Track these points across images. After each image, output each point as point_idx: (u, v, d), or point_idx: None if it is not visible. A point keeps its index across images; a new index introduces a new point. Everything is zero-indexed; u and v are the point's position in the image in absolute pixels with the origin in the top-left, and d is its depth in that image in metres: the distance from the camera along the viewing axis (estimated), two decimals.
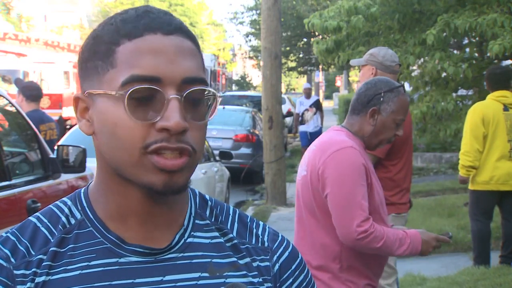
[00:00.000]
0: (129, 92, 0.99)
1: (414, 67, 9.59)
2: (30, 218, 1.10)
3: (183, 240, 1.10)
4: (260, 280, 1.13)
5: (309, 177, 2.71)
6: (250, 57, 37.16)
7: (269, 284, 1.14)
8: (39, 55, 17.88)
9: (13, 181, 4.22)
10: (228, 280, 1.10)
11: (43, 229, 1.08)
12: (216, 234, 1.14)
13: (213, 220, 1.16)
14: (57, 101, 17.53)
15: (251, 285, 1.11)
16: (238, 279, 1.11)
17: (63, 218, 1.09)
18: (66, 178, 4.95)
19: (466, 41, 9.88)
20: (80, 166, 4.94)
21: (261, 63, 11.20)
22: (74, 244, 1.07)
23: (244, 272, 1.12)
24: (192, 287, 1.08)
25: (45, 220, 1.09)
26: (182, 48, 1.04)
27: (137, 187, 1.05)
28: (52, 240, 1.07)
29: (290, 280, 1.17)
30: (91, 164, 5.46)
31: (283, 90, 39.35)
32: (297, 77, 46.84)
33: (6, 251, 1.05)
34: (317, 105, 15.45)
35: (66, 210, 1.10)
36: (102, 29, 1.06)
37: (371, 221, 2.60)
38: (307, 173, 2.73)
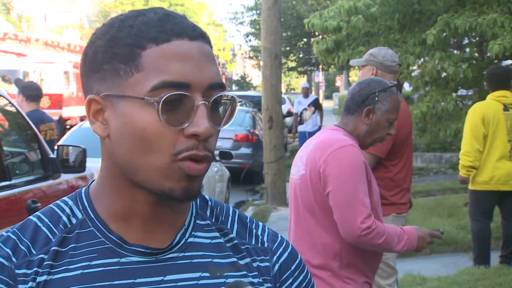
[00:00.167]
0: (163, 98, 0.99)
1: (414, 67, 9.59)
2: (31, 217, 1.10)
3: (183, 240, 1.10)
4: (260, 280, 1.14)
5: (309, 176, 2.72)
6: (250, 57, 37.16)
7: (269, 285, 1.14)
8: (39, 55, 17.89)
9: (13, 181, 4.22)
10: (229, 280, 1.10)
11: (44, 228, 1.08)
12: (217, 234, 1.14)
13: (213, 220, 1.16)
14: (57, 101, 17.53)
15: (251, 285, 1.11)
16: (239, 279, 1.11)
17: (64, 218, 1.09)
18: (66, 178, 4.95)
19: (466, 41, 9.88)
20: (80, 166, 4.94)
21: (261, 63, 11.20)
22: (75, 244, 1.07)
23: (244, 273, 1.12)
24: (193, 287, 1.08)
25: (46, 220, 1.09)
26: (206, 53, 1.05)
27: (146, 192, 1.05)
28: (53, 240, 1.07)
29: (290, 281, 1.17)
30: (91, 164, 5.47)
31: (283, 90, 39.35)
32: (297, 77, 46.85)
33: (8, 250, 1.05)
34: (316, 104, 15.44)
35: (67, 209, 1.10)
36: (118, 31, 1.04)
37: (373, 218, 2.64)
38: (306, 172, 2.74)
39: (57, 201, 1.12)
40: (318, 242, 2.73)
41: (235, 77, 51.27)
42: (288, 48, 30.49)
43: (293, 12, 27.84)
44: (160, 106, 0.99)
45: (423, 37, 8.16)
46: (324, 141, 2.76)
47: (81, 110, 19.10)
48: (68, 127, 16.41)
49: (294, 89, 54.72)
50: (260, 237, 1.18)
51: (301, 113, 15.32)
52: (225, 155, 9.76)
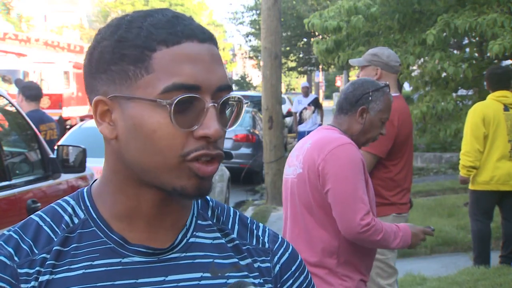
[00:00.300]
0: (176, 101, 0.99)
1: (414, 67, 9.59)
2: (32, 216, 1.10)
3: (185, 240, 1.11)
4: (261, 281, 1.14)
5: (307, 174, 2.76)
6: (250, 57, 37.13)
7: (270, 285, 1.15)
8: (39, 55, 17.88)
9: (13, 181, 4.22)
10: (230, 280, 1.10)
11: (46, 228, 1.08)
12: (218, 234, 1.15)
13: (214, 220, 1.16)
14: (57, 101, 17.52)
15: (253, 285, 1.12)
16: (242, 279, 1.11)
17: (66, 217, 1.09)
18: (66, 178, 4.95)
19: (466, 41, 9.88)
20: (80, 166, 4.94)
21: (261, 63, 11.19)
22: (77, 244, 1.07)
23: (245, 273, 1.13)
24: (194, 287, 1.08)
25: (48, 219, 1.09)
26: (215, 56, 1.05)
27: (153, 191, 1.05)
28: (55, 239, 1.07)
29: (291, 281, 1.18)
30: (91, 164, 5.47)
31: (283, 90, 39.33)
32: (297, 77, 46.82)
33: (10, 249, 1.05)
34: (316, 104, 15.44)
35: (69, 209, 1.10)
36: (127, 31, 1.03)
37: (371, 215, 2.69)
38: (303, 170, 2.77)
39: (58, 201, 1.12)
40: (316, 240, 2.76)
41: (235, 77, 51.25)
42: (288, 48, 30.48)
43: (293, 12, 27.82)
44: (172, 108, 1.00)
45: (423, 37, 8.15)
46: (321, 139, 2.79)
47: (81, 110, 19.11)
48: (68, 127, 16.40)
49: (294, 89, 54.68)
50: (261, 238, 1.18)
51: (301, 112, 15.32)
52: (225, 155, 9.74)
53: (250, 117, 14.80)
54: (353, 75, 33.79)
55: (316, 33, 11.71)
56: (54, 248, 1.06)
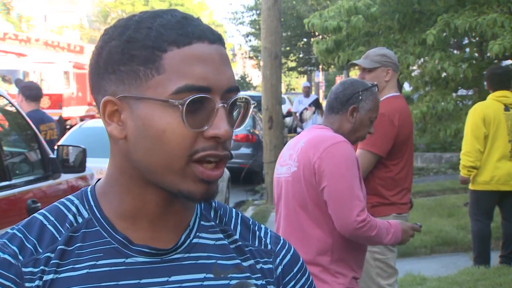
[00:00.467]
0: (187, 101, 1.00)
1: (414, 67, 9.59)
2: (36, 215, 1.10)
3: (188, 241, 1.11)
4: (263, 282, 1.14)
5: (302, 172, 2.80)
6: (250, 57, 37.11)
7: (272, 287, 1.15)
8: (39, 55, 17.90)
9: (13, 181, 4.22)
10: (233, 282, 1.10)
11: (49, 227, 1.08)
12: (221, 235, 1.15)
13: (217, 221, 1.17)
14: (57, 101, 17.54)
15: (255, 286, 1.12)
16: (244, 280, 1.11)
17: (70, 217, 1.09)
18: (66, 178, 4.95)
19: (466, 41, 9.88)
20: (80, 166, 4.94)
21: (261, 63, 11.19)
22: (81, 243, 1.07)
23: (248, 274, 1.13)
24: None
25: (52, 218, 1.09)
26: (224, 57, 1.06)
27: (159, 191, 1.06)
28: (59, 238, 1.07)
29: (292, 283, 1.18)
30: (91, 164, 5.47)
31: (283, 90, 39.32)
32: (297, 77, 46.80)
33: (14, 248, 1.05)
34: (317, 104, 15.44)
35: (74, 208, 1.10)
36: (136, 32, 1.03)
37: (366, 211, 2.75)
38: (298, 169, 2.82)
39: (62, 200, 1.12)
40: (310, 238, 2.80)
41: (235, 77, 51.15)
42: (288, 48, 30.47)
43: (293, 12, 27.81)
44: (184, 108, 1.00)
45: (423, 37, 8.15)
46: (316, 138, 2.84)
47: (81, 110, 19.12)
48: (68, 127, 16.41)
49: (294, 89, 54.66)
50: (263, 239, 1.19)
51: (301, 112, 15.30)
52: None
53: (250, 117, 14.73)
54: (353, 75, 33.79)
55: (316, 33, 11.71)
56: (59, 247, 1.06)
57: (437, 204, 9.27)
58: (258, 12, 30.46)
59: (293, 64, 33.59)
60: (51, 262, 1.05)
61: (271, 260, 1.17)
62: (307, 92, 15.76)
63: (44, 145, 4.75)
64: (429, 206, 9.08)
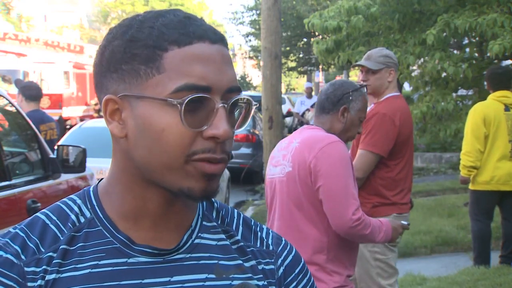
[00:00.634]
0: (186, 100, 1.00)
1: (414, 67, 9.59)
2: (38, 214, 1.10)
3: (190, 241, 1.11)
4: (265, 283, 1.14)
5: (297, 172, 2.84)
6: (250, 57, 37.11)
7: (274, 287, 1.15)
8: (39, 55, 17.91)
9: (13, 181, 4.22)
10: (235, 282, 1.10)
11: (52, 226, 1.08)
12: (223, 236, 1.15)
13: (219, 222, 1.17)
14: (57, 101, 17.55)
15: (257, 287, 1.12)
16: (246, 281, 1.11)
17: (73, 216, 1.09)
18: (66, 178, 4.95)
19: (466, 41, 9.88)
20: (80, 166, 4.94)
21: (261, 63, 11.19)
22: (83, 243, 1.07)
23: (250, 275, 1.13)
24: None
25: (54, 218, 1.09)
26: (225, 57, 1.06)
27: (160, 190, 1.06)
28: (61, 238, 1.07)
29: (294, 284, 1.18)
30: (91, 164, 5.47)
31: (283, 90, 39.31)
32: (297, 77, 46.80)
33: (16, 247, 1.05)
34: None
35: (76, 208, 1.10)
36: (138, 31, 1.04)
37: (361, 209, 2.80)
38: (293, 169, 2.86)
39: (64, 199, 1.12)
40: (306, 237, 2.83)
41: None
42: (288, 48, 30.47)
43: (293, 12, 27.81)
44: (183, 107, 1.00)
45: (423, 37, 8.16)
46: (310, 138, 2.88)
47: (80, 110, 19.12)
48: (68, 127, 16.41)
49: (294, 89, 54.67)
50: (265, 240, 1.19)
51: (303, 113, 15.28)
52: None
53: (250, 117, 14.78)
54: (353, 75, 33.82)
55: (316, 33, 11.71)
56: (61, 247, 1.06)
57: (437, 204, 9.27)
58: (258, 12, 30.46)
59: (293, 64, 33.59)
60: (54, 261, 1.05)
61: (272, 260, 1.17)
62: (309, 93, 15.73)
63: (44, 145, 4.75)
64: (429, 206, 9.08)
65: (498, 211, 6.03)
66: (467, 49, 9.88)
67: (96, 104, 19.12)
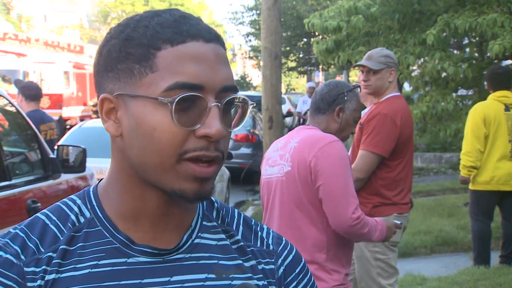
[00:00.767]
0: (177, 99, 1.00)
1: (414, 67, 9.59)
2: (38, 215, 1.10)
3: (190, 241, 1.11)
4: (265, 283, 1.14)
5: (296, 171, 2.85)
6: (250, 57, 37.10)
7: (274, 287, 1.15)
8: (39, 55, 17.91)
9: (13, 181, 4.22)
10: (234, 282, 1.10)
11: (52, 226, 1.08)
12: (223, 236, 1.15)
13: (219, 222, 1.16)
14: (57, 101, 17.55)
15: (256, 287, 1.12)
16: (246, 282, 1.11)
17: (73, 216, 1.09)
18: (66, 178, 4.95)
19: (466, 41, 9.88)
20: (80, 166, 4.94)
21: (261, 63, 11.19)
22: (83, 243, 1.07)
23: (250, 275, 1.13)
24: None
25: (54, 218, 1.09)
26: (220, 56, 1.05)
27: (157, 191, 1.06)
28: (61, 238, 1.07)
29: (294, 283, 1.18)
30: (91, 164, 5.47)
31: (283, 90, 39.30)
32: (297, 77, 46.80)
33: (16, 247, 1.05)
34: None
35: (76, 208, 1.10)
36: (134, 30, 1.04)
37: (359, 208, 2.82)
38: (292, 168, 2.87)
39: (65, 199, 1.12)
40: (306, 236, 2.84)
41: (235, 77, 51.14)
42: (288, 48, 30.47)
43: (293, 12, 27.81)
44: (173, 106, 1.00)
45: (423, 37, 8.16)
46: (309, 137, 2.90)
47: (79, 110, 19.12)
48: (68, 127, 16.41)
49: (294, 89, 54.66)
50: (265, 239, 1.18)
51: (305, 113, 15.26)
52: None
53: (250, 117, 14.79)
54: (353, 75, 33.83)
55: (316, 33, 11.71)
56: (61, 247, 1.06)
57: (437, 204, 9.27)
58: (258, 12, 30.46)
59: (293, 64, 33.59)
60: (53, 261, 1.05)
61: (273, 260, 1.17)
62: (311, 92, 15.73)
63: (44, 145, 4.75)
64: (429, 206, 9.08)
65: (498, 211, 6.03)
66: (467, 49, 9.88)
67: (94, 106, 19.15)
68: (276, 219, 2.94)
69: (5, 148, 4.29)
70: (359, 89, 3.15)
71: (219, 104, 1.02)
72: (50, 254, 1.05)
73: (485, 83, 6.80)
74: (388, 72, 4.01)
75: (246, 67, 53.84)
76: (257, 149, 13.61)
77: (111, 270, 1.05)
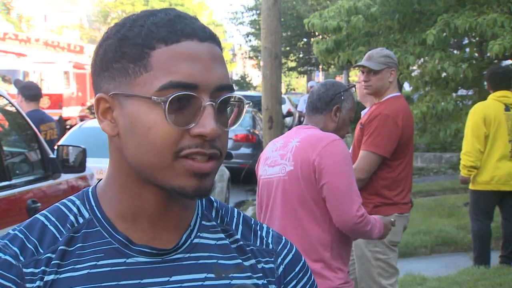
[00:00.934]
0: (170, 98, 1.00)
1: (414, 67, 9.59)
2: (37, 216, 1.10)
3: (189, 241, 1.11)
4: (265, 282, 1.14)
5: (300, 170, 2.85)
6: (250, 57, 37.11)
7: (274, 286, 1.15)
8: (39, 55, 17.90)
9: (13, 181, 4.22)
10: (234, 281, 1.10)
11: (51, 227, 1.08)
12: (222, 235, 1.15)
13: (218, 221, 1.16)
14: (57, 101, 17.54)
15: (256, 287, 1.12)
16: (243, 281, 1.11)
17: (71, 217, 1.09)
18: (66, 178, 4.95)
19: (466, 41, 9.88)
20: (80, 166, 4.94)
21: (261, 63, 11.19)
22: (82, 243, 1.07)
23: (249, 274, 1.13)
24: None
25: (53, 219, 1.09)
26: (215, 55, 1.05)
27: (156, 190, 1.06)
28: (60, 239, 1.07)
29: (294, 282, 1.18)
30: (91, 164, 5.47)
31: (283, 90, 39.30)
32: (297, 77, 46.79)
33: (15, 249, 1.05)
34: None
35: (75, 209, 1.10)
36: (129, 30, 1.04)
37: (362, 206, 2.84)
38: (295, 168, 2.87)
39: (63, 200, 1.12)
40: (311, 235, 2.85)
41: (235, 77, 51.22)
42: (288, 48, 30.47)
43: (293, 12, 27.81)
44: (167, 105, 1.00)
45: (423, 37, 8.16)
46: (311, 136, 2.91)
47: (77, 111, 19.11)
48: (68, 127, 16.41)
49: (294, 89, 54.65)
50: (265, 238, 1.18)
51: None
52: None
53: (250, 117, 14.79)
54: (353, 75, 33.82)
55: (316, 33, 11.71)
56: (59, 247, 1.06)
57: (437, 204, 9.27)
58: (258, 12, 30.46)
59: (293, 64, 33.60)
60: (52, 262, 1.05)
61: (272, 259, 1.16)
62: None
63: (44, 145, 4.75)
64: (429, 206, 9.08)
65: (498, 211, 6.03)
66: (467, 49, 9.88)
67: (88, 107, 19.16)
68: (278, 219, 2.94)
69: (5, 148, 4.29)
70: (354, 88, 3.19)
71: (214, 103, 1.02)
72: (49, 255, 1.05)
73: (485, 83, 6.80)
74: (388, 72, 4.01)
75: (246, 67, 53.82)
76: (257, 149, 13.61)
77: (110, 271, 1.05)
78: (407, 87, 13.32)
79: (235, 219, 1.18)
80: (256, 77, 49.17)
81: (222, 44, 1.10)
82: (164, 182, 1.03)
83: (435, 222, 7.93)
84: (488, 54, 8.13)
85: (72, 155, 4.91)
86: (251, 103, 1.13)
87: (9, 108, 4.78)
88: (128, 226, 1.08)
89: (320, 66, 31.65)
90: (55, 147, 5.06)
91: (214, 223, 1.16)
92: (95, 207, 1.10)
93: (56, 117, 12.99)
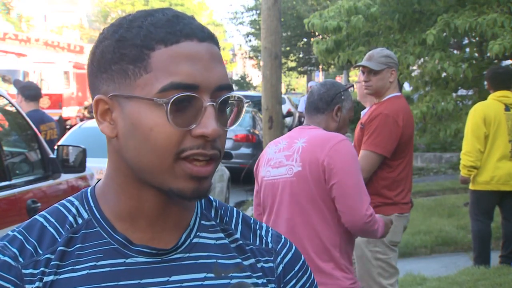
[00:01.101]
0: (172, 99, 0.99)
1: (414, 67, 9.58)
2: (36, 217, 1.10)
3: (189, 241, 1.11)
4: (264, 281, 1.14)
5: (308, 171, 2.84)
6: (250, 57, 37.10)
7: (273, 285, 1.15)
8: (39, 55, 17.91)
9: (13, 181, 4.22)
10: (233, 281, 1.10)
11: (50, 228, 1.08)
12: (221, 235, 1.15)
13: (218, 221, 1.16)
14: (57, 101, 17.56)
15: (255, 286, 1.12)
16: (243, 280, 1.11)
17: (70, 218, 1.09)
18: (66, 178, 4.95)
19: (466, 41, 9.88)
20: (80, 166, 4.94)
21: (261, 63, 11.19)
22: (81, 244, 1.07)
23: (249, 273, 1.13)
24: None
25: (52, 220, 1.09)
26: (214, 55, 1.05)
27: (154, 191, 1.06)
28: (59, 240, 1.07)
29: (294, 281, 1.18)
30: (91, 164, 5.47)
31: (283, 90, 39.31)
32: (297, 77, 46.79)
33: (14, 250, 1.05)
34: None
35: (74, 210, 1.10)
36: (127, 31, 1.04)
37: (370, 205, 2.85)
38: (303, 168, 2.86)
39: (63, 201, 1.12)
40: (322, 235, 2.85)
41: (235, 77, 51.22)
42: (288, 48, 30.47)
43: (293, 12, 27.82)
44: (168, 107, 1.00)
45: (423, 37, 8.16)
46: (318, 137, 2.90)
47: (75, 111, 19.11)
48: (68, 127, 16.41)
49: (294, 89, 54.64)
50: (264, 238, 1.18)
51: None
52: (225, 155, 9.76)
53: (250, 117, 14.80)
54: (353, 75, 33.80)
55: (316, 33, 11.71)
56: (59, 248, 1.06)
57: (437, 204, 9.27)
58: (258, 12, 30.46)
59: (293, 64, 33.60)
60: (51, 263, 1.05)
61: (272, 258, 1.16)
62: None
63: (44, 145, 4.75)
64: (429, 206, 9.08)
65: (498, 211, 6.03)
66: (467, 49, 9.88)
67: (85, 108, 19.15)
68: (285, 220, 2.91)
69: (5, 148, 4.29)
70: (352, 88, 3.22)
71: (215, 103, 1.02)
72: (48, 256, 1.05)
73: (485, 83, 6.80)
74: (388, 72, 4.02)
75: (246, 67, 53.82)
76: (257, 149, 13.61)
77: (109, 271, 1.05)
78: (407, 87, 13.32)
79: (234, 219, 1.18)
80: (256, 77, 49.17)
81: (222, 44, 1.10)
82: (163, 184, 1.03)
83: (435, 222, 7.93)
84: (488, 54, 8.13)
85: (72, 155, 4.91)
86: (250, 103, 1.13)
87: (9, 108, 4.78)
88: (127, 226, 1.08)
89: (320, 66, 31.65)
90: (55, 147, 5.06)
91: (214, 222, 1.16)
92: (94, 208, 1.10)
93: (56, 117, 12.99)
